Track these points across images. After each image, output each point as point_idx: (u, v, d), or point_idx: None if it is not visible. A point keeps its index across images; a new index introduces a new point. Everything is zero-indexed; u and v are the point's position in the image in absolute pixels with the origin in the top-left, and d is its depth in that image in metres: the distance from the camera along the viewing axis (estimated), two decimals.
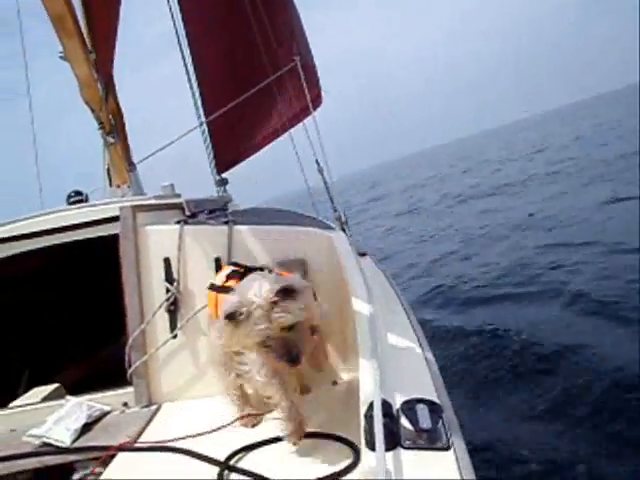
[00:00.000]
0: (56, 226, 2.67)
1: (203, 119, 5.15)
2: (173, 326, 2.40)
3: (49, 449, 2.15)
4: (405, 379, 1.28)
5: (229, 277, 1.98)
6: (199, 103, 5.33)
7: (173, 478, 1.80)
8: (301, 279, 1.79)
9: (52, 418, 2.28)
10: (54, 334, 3.63)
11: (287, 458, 1.74)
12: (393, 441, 1.01)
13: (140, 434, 2.20)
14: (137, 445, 2.10)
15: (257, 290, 1.59)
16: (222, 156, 6.00)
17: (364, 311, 1.66)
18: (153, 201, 2.74)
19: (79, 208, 2.87)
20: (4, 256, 3.02)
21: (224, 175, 5.94)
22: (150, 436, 2.17)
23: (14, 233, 2.81)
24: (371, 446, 1.01)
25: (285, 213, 3.82)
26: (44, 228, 2.84)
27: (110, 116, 3.93)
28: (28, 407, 2.52)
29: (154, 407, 2.41)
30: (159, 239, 2.44)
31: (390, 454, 0.99)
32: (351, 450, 1.60)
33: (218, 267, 2.37)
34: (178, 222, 2.48)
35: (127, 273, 2.40)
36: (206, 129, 5.34)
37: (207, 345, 2.31)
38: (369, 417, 1.09)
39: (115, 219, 2.58)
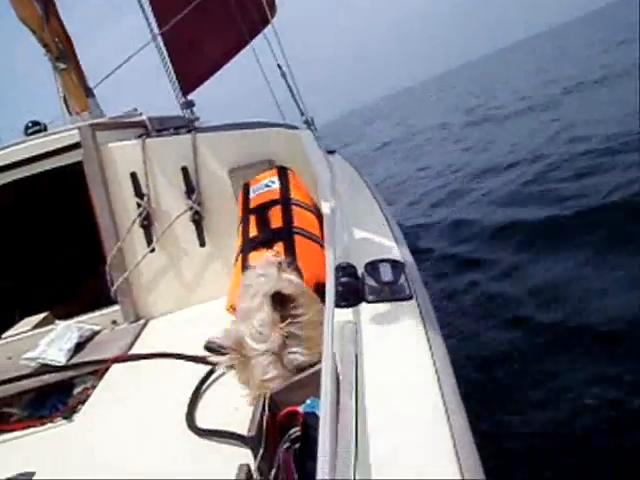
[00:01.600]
0: (18, 159, 2.60)
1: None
2: (149, 240, 2.41)
3: (47, 369, 2.22)
4: (369, 246, 1.31)
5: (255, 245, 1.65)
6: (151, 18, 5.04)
7: (167, 382, 1.88)
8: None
9: (44, 341, 2.33)
10: (37, 271, 3.64)
11: None
12: (358, 297, 1.05)
13: (131, 346, 2.27)
14: (130, 354, 2.17)
15: (259, 324, 1.26)
16: (185, 77, 5.81)
17: (328, 194, 1.65)
18: (110, 121, 2.67)
19: (38, 138, 2.80)
20: None
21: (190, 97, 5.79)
22: (141, 348, 2.24)
23: None
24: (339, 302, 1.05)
25: (250, 122, 3.76)
26: (5, 162, 2.78)
27: (56, 39, 3.74)
28: (21, 335, 2.57)
29: (142, 321, 2.46)
30: (123, 155, 2.39)
31: (355, 309, 1.04)
32: None
33: (186, 176, 2.36)
34: (140, 136, 2.43)
35: (96, 193, 2.37)
36: (162, 47, 5.09)
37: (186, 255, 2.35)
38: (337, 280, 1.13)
39: (77, 146, 2.52)
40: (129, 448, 1.62)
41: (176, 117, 3.72)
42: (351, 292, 1.06)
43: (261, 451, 1.14)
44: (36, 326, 2.66)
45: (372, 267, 1.12)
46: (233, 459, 1.37)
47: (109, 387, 2.07)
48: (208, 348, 1.41)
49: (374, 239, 1.42)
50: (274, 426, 1.23)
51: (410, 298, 1.04)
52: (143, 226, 2.39)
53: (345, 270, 1.12)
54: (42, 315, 2.77)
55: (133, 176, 2.38)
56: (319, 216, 1.60)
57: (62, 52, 3.73)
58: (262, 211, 1.66)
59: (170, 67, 5.60)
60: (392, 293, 1.05)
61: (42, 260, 3.67)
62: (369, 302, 1.03)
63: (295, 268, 1.36)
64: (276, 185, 1.71)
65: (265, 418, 1.20)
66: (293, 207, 1.59)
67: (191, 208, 2.36)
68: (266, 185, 1.73)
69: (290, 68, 3.48)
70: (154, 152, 2.38)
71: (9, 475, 1.85)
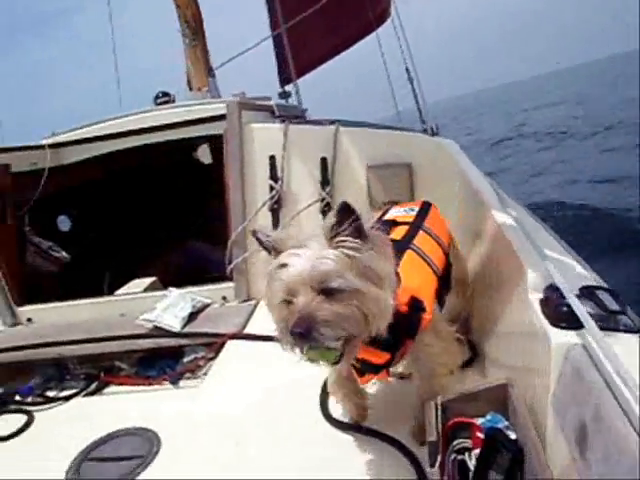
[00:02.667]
0: (161, 123, 2.69)
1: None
2: (275, 224, 2.43)
3: (162, 333, 2.27)
4: (571, 274, 1.26)
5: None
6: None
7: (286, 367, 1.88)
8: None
9: (160, 306, 2.39)
10: (149, 235, 3.76)
11: None
12: (576, 321, 1.01)
13: (245, 325, 2.29)
14: (247, 333, 2.19)
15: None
16: (286, 68, 5.87)
17: (506, 219, 1.59)
18: (250, 101, 2.72)
19: (181, 107, 2.90)
20: (109, 151, 3.11)
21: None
22: (253, 328, 2.26)
23: (121, 129, 2.87)
24: (559, 323, 1.01)
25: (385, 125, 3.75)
26: (146, 125, 2.89)
27: (192, 17, 3.87)
28: (133, 295, 2.64)
29: (253, 302, 2.49)
30: (265, 137, 2.43)
31: (579, 332, 0.99)
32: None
33: (323, 167, 2.36)
34: (283, 121, 2.45)
35: (232, 169, 2.41)
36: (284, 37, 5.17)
37: None
38: (546, 300, 1.08)
39: (218, 118, 2.58)
40: (248, 426, 1.62)
41: (290, 106, 3.75)
42: (569, 313, 1.01)
43: (439, 458, 1.11)
44: (146, 289, 2.73)
45: (589, 292, 1.08)
46: (381, 458, 1.36)
47: (225, 362, 2.09)
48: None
49: (559, 259, 1.37)
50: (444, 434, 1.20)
51: (638, 331, 0.99)
52: (272, 209, 2.42)
53: (555, 291, 1.08)
54: (150, 279, 2.84)
55: (271, 159, 2.40)
56: (445, 252, 1.56)
57: (195, 29, 3.88)
58: (389, 224, 1.61)
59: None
60: (618, 323, 1.00)
61: (159, 225, 3.80)
62: (601, 329, 0.96)
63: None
64: (414, 212, 1.65)
65: (439, 426, 1.17)
66: (420, 231, 1.53)
67: (323, 199, 2.36)
68: (405, 210, 1.68)
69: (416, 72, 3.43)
70: (296, 139, 2.40)
71: (117, 426, 1.91)
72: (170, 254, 3.79)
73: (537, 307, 1.11)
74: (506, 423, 1.15)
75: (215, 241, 2.65)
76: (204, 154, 3.70)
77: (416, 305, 1.29)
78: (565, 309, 1.02)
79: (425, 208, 1.65)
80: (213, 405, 1.76)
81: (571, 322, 1.00)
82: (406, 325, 1.28)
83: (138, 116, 3.16)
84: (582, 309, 0.98)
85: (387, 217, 1.66)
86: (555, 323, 1.02)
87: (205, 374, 2.15)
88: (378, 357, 1.29)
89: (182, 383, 2.20)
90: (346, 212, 1.11)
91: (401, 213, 1.65)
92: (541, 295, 1.14)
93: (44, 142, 3.25)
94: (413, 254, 1.43)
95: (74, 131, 3.35)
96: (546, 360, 1.02)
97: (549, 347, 1.00)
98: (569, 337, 0.98)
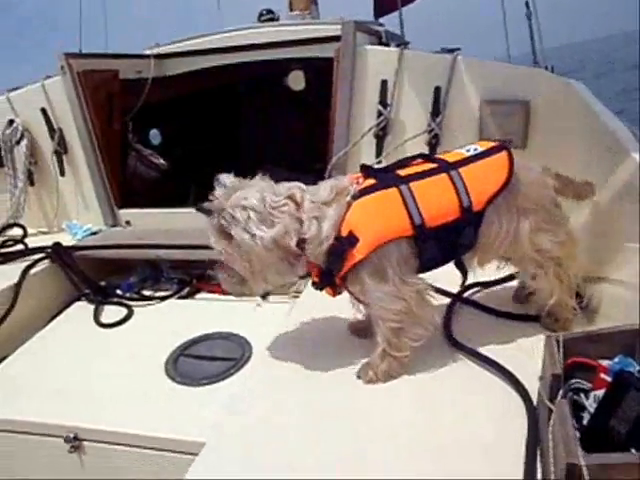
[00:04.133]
0: (275, 40, 2.66)
1: None
2: (379, 152, 2.37)
3: None
4: None
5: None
6: None
7: None
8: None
9: None
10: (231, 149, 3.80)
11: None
12: None
13: None
14: None
15: None
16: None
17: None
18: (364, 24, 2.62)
19: (285, 26, 2.84)
20: (210, 66, 3.12)
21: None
22: None
23: (223, 45, 2.87)
24: None
25: None
26: (249, 42, 2.86)
27: None
28: None
29: None
30: (379, 60, 2.33)
31: None
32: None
33: (436, 96, 2.26)
34: (398, 45, 2.35)
35: (341, 91, 2.35)
36: None
37: None
38: None
39: (326, 39, 2.51)
40: (343, 346, 1.63)
41: (397, 36, 3.59)
42: None
43: (561, 392, 1.08)
44: None
45: None
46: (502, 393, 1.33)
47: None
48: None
49: None
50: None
51: None
52: (377, 136, 2.35)
53: None
54: None
55: (383, 84, 2.32)
56: (465, 208, 1.40)
57: None
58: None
59: None
60: None
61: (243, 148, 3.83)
62: None
63: None
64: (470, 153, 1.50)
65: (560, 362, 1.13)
66: (436, 176, 1.41)
67: (432, 130, 2.27)
68: (467, 150, 1.54)
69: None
70: (410, 65, 2.29)
71: (210, 330, 1.99)
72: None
73: None
74: (638, 368, 1.10)
75: (299, 169, 2.62)
76: (295, 80, 3.64)
77: (346, 240, 1.33)
78: None
79: (486, 153, 1.46)
80: (306, 321, 1.78)
81: None
82: (332, 257, 1.36)
83: (241, 32, 3.12)
84: None
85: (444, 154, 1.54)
86: None
87: (296, 292, 2.17)
88: (317, 279, 1.45)
89: (271, 298, 2.25)
90: None
91: (460, 150, 1.51)
92: None
93: (148, 52, 3.29)
94: (395, 194, 1.36)
95: (176, 43, 3.36)
96: None
97: None
98: None
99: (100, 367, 1.82)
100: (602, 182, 1.65)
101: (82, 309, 2.25)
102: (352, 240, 1.34)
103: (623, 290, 1.46)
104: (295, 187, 1.40)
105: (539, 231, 1.44)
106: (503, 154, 1.45)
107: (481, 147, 1.49)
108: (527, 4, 3.36)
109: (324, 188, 1.40)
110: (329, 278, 1.42)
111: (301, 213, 1.35)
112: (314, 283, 1.49)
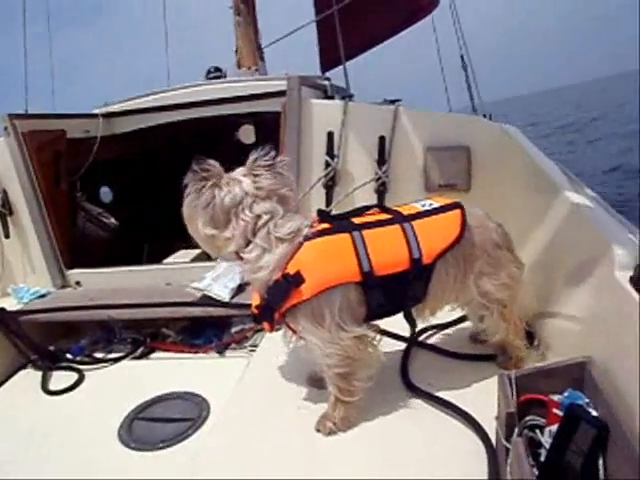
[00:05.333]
0: (224, 96, 2.71)
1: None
2: (329, 201, 2.41)
3: (211, 302, 2.27)
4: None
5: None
6: None
7: None
8: None
9: (210, 275, 2.39)
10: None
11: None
12: None
13: None
14: None
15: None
16: (328, 53, 5.79)
17: (581, 198, 1.55)
18: (308, 79, 2.70)
19: (233, 82, 2.91)
20: (158, 124, 3.14)
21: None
22: None
23: (172, 102, 2.90)
24: None
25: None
26: (198, 99, 2.91)
27: None
28: (181, 265, 2.65)
29: None
30: (324, 113, 2.41)
31: None
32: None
33: (381, 146, 2.34)
34: (343, 98, 2.44)
35: (288, 144, 2.40)
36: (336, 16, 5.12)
37: None
38: (638, 276, 1.05)
39: (272, 95, 2.58)
40: (302, 396, 1.61)
41: (341, 88, 3.73)
42: None
43: (516, 431, 1.09)
44: (194, 259, 2.75)
45: None
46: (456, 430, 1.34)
47: (274, 336, 2.09)
48: None
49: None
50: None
51: None
52: (326, 186, 2.40)
53: None
54: (197, 251, 2.85)
55: (329, 135, 2.39)
56: (414, 259, 1.42)
57: (248, 8, 3.88)
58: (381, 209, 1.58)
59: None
60: None
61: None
62: None
63: None
64: (425, 208, 1.56)
65: (513, 400, 1.15)
66: (389, 226, 1.44)
67: (379, 178, 2.34)
68: (423, 204, 1.59)
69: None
70: (355, 116, 2.38)
71: (165, 390, 1.93)
72: None
73: (627, 284, 1.07)
74: (586, 400, 1.13)
75: None
76: (246, 134, 3.70)
77: (292, 277, 1.35)
78: None
79: (440, 209, 1.50)
80: (264, 375, 1.76)
81: None
82: (275, 292, 1.38)
83: (189, 90, 3.17)
84: None
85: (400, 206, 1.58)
86: None
87: (252, 345, 2.15)
88: (257, 311, 1.45)
89: (228, 353, 2.22)
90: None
91: (415, 204, 1.55)
92: (630, 272, 1.10)
93: (97, 111, 3.29)
94: (347, 239, 1.39)
95: (126, 102, 3.38)
96: (637, 336, 0.99)
97: None
98: None
99: (48, 438, 1.73)
100: (540, 219, 1.73)
101: (29, 377, 2.14)
102: (298, 279, 1.35)
103: (571, 324, 1.51)
104: (270, 212, 1.41)
105: (482, 275, 1.49)
106: (457, 211, 1.49)
107: (436, 202, 1.53)
108: (462, 57, 3.57)
109: (289, 226, 1.41)
110: (269, 313, 1.43)
111: (252, 237, 1.40)
112: (253, 315, 1.49)
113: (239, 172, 1.45)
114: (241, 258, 1.44)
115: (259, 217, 1.40)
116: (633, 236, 1.40)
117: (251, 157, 1.43)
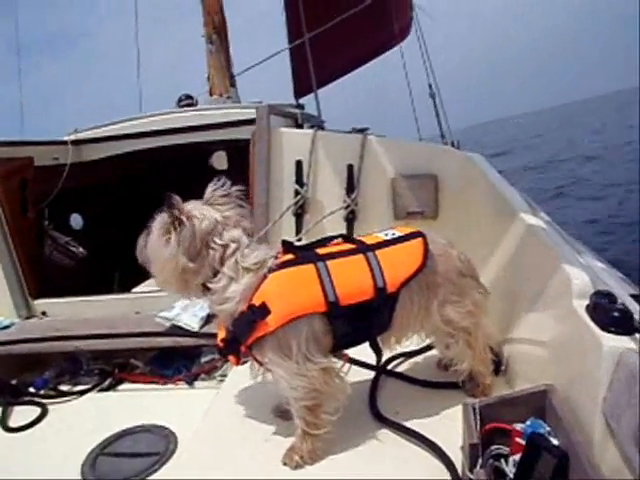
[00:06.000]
0: (184, 125, 2.71)
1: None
2: (298, 229, 2.42)
3: (180, 332, 2.24)
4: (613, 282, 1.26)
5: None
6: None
7: None
8: None
9: (179, 305, 2.37)
10: None
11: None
12: (630, 325, 1.00)
13: None
14: None
15: None
16: (301, 80, 5.87)
17: (542, 227, 1.60)
18: (278, 107, 2.73)
19: (204, 110, 2.92)
20: (129, 151, 3.13)
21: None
22: None
23: (143, 129, 2.89)
24: (610, 328, 1.00)
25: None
26: (168, 127, 2.91)
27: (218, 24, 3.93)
28: (150, 294, 2.62)
29: None
30: (293, 141, 2.43)
31: (632, 337, 0.99)
32: None
33: (350, 174, 2.37)
34: (311, 127, 2.47)
35: (257, 172, 2.41)
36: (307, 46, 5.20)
37: None
38: (594, 305, 1.08)
39: (242, 122, 2.60)
40: (269, 428, 1.60)
41: (312, 116, 3.78)
42: (623, 319, 1.00)
43: (480, 461, 1.10)
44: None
45: (636, 299, 1.07)
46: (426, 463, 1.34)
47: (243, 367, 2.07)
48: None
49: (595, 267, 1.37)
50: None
51: None
52: (296, 214, 2.41)
53: (607, 297, 1.08)
54: None
55: (298, 164, 2.41)
56: (379, 287, 1.44)
57: (220, 36, 3.93)
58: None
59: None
60: None
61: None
62: None
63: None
64: (389, 237, 1.59)
65: (477, 431, 1.15)
66: (353, 256, 1.46)
67: (348, 206, 2.37)
68: (386, 234, 1.62)
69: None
70: (323, 145, 2.41)
71: (132, 423, 1.89)
72: None
73: (583, 313, 1.10)
74: (547, 429, 1.14)
75: None
76: (219, 160, 3.71)
77: (257, 309, 1.36)
78: (616, 314, 1.01)
79: (403, 238, 1.52)
80: (232, 406, 1.74)
81: (623, 327, 0.99)
82: (239, 325, 1.38)
83: (160, 117, 3.18)
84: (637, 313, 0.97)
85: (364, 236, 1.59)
86: (606, 328, 1.01)
87: (222, 375, 2.13)
88: (222, 344, 1.46)
89: (197, 384, 2.19)
90: None
91: (379, 234, 1.57)
92: (587, 301, 1.13)
93: (66, 138, 3.27)
94: (312, 270, 1.40)
95: (96, 129, 3.37)
96: (595, 365, 1.02)
97: (600, 352, 0.99)
98: (622, 342, 0.98)
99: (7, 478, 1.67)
100: (502, 246, 1.77)
101: None
102: (263, 311, 1.35)
103: (535, 351, 1.53)
104: (237, 240, 1.43)
105: (446, 303, 1.51)
106: (419, 240, 1.51)
107: (399, 232, 1.55)
108: (430, 86, 3.66)
109: (255, 256, 1.42)
110: (235, 346, 1.42)
111: (220, 266, 1.41)
112: (218, 349, 1.50)
113: (196, 205, 1.48)
114: (208, 289, 1.44)
115: (227, 246, 1.42)
116: (589, 258, 1.44)
117: (209, 189, 1.47)
